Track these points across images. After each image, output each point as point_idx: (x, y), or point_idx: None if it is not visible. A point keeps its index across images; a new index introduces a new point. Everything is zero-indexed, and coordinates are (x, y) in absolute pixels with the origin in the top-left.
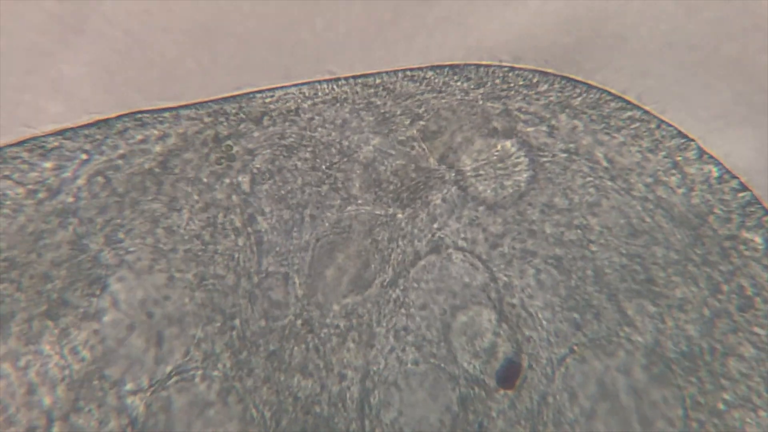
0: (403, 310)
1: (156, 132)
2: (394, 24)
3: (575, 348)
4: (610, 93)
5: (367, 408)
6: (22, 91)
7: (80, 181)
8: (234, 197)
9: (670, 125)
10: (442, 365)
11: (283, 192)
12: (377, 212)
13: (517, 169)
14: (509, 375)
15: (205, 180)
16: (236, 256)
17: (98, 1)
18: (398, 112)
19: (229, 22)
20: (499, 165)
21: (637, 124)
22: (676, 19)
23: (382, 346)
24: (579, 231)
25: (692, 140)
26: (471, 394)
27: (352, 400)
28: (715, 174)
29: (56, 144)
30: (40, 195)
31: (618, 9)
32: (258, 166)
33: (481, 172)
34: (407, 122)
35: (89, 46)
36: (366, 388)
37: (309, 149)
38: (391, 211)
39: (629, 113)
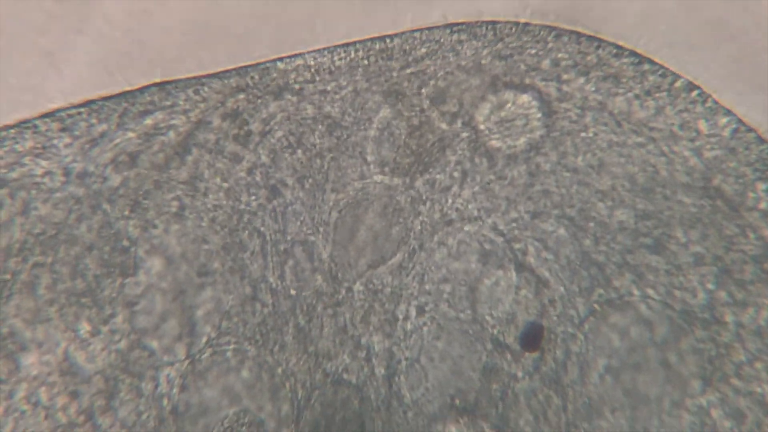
0: (426, 278)
1: (179, 105)
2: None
3: (596, 306)
4: (622, 47)
5: (395, 378)
6: (23, 91)
7: (106, 159)
8: (256, 170)
9: (685, 78)
10: (469, 331)
11: (303, 163)
12: (395, 181)
13: (528, 126)
14: (533, 338)
15: (227, 153)
16: (261, 229)
17: (98, 1)
18: (409, 75)
19: (229, 22)
20: (511, 123)
21: (651, 78)
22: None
23: (405, 316)
24: (592, 188)
25: (708, 94)
26: (496, 359)
27: (380, 372)
28: (732, 126)
29: (77, 120)
30: (61, 177)
31: None
32: (277, 137)
33: (494, 130)
34: (418, 85)
35: (89, 46)
36: (393, 358)
37: (326, 120)
38: (408, 179)
39: (643, 67)
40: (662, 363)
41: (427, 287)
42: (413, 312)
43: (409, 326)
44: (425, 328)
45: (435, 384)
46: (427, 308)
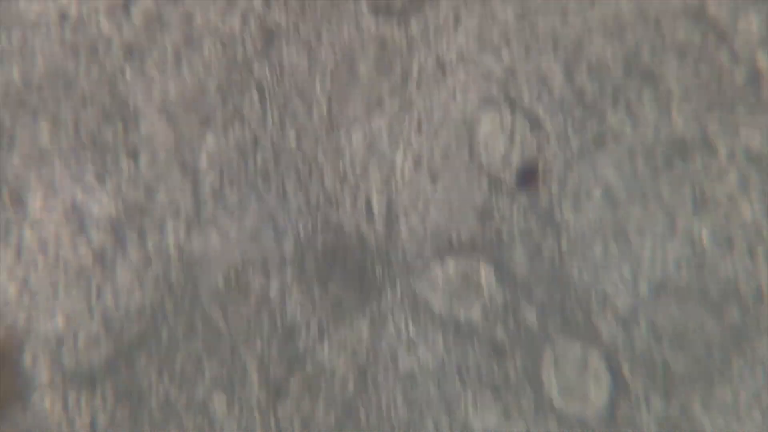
0: (424, 128)
1: None
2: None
3: (590, 141)
4: None
5: (394, 225)
6: None
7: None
8: (250, 18)
9: None
10: (464, 173)
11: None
12: (385, 27)
13: None
14: (528, 176)
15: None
16: (258, 77)
17: None
18: None
19: None
20: None
21: None
22: None
23: (403, 161)
24: (585, 22)
25: None
26: (492, 198)
27: (379, 216)
28: None
29: None
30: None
31: None
32: None
33: None
34: None
35: None
36: (391, 204)
37: None
38: (402, 21)
39: None
40: (655, 193)
41: (423, 129)
42: (410, 158)
43: (406, 171)
44: (422, 173)
45: (432, 227)
46: (423, 153)
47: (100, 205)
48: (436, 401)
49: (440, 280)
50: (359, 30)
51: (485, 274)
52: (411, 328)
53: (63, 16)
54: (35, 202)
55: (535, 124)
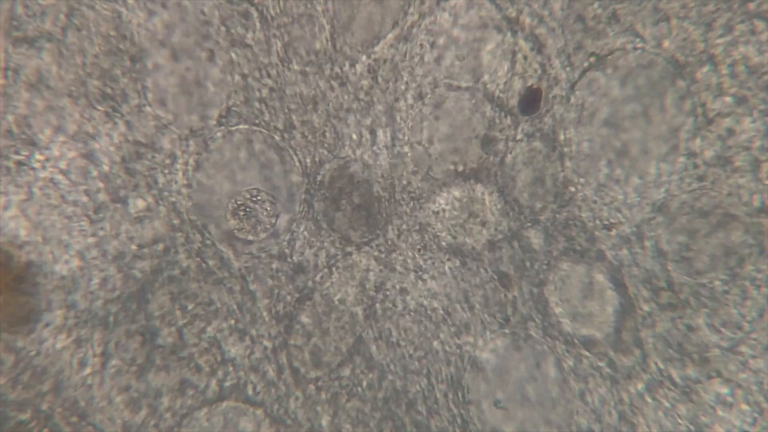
0: (427, 58)
1: None
2: None
3: (590, 62)
4: None
5: (399, 137)
6: None
7: None
8: None
9: None
10: (468, 101)
11: None
12: None
13: None
14: (531, 102)
15: None
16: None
17: None
18: None
19: None
20: None
21: None
22: None
23: (405, 90)
24: None
25: None
26: (496, 123)
27: (384, 145)
28: None
29: None
30: None
31: None
32: None
33: None
34: None
35: None
36: (395, 138)
37: None
38: None
39: None
40: (658, 109)
41: (426, 60)
42: (412, 87)
43: (410, 100)
44: (424, 102)
45: (436, 156)
46: (427, 82)
47: (111, 142)
48: (445, 330)
49: (446, 209)
50: None
51: (489, 200)
52: (418, 258)
53: None
54: (46, 140)
55: (536, 45)
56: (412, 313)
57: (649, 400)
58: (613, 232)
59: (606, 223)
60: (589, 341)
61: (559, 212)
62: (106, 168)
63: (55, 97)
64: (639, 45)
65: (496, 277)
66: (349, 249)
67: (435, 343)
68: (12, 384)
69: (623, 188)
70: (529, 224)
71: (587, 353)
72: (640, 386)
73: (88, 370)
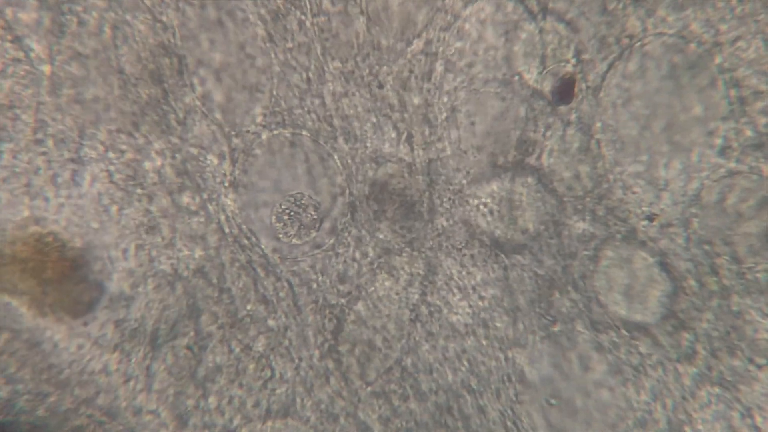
0: (460, 46)
1: None
2: None
3: (622, 47)
4: None
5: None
6: None
7: None
8: None
9: None
10: (504, 93)
11: None
12: None
13: None
14: (565, 91)
15: None
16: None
17: None
18: None
19: None
20: None
21: None
22: None
23: (441, 79)
24: None
25: None
26: (533, 115)
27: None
28: None
29: None
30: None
31: None
32: None
33: None
34: None
35: None
36: (433, 119)
37: None
38: None
39: None
40: (697, 90)
41: (459, 48)
42: (449, 78)
43: (445, 99)
44: (463, 101)
45: (474, 150)
46: (460, 79)
47: (157, 159)
48: (495, 330)
49: (487, 203)
50: None
51: (528, 192)
52: (461, 256)
53: None
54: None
55: (569, 31)
56: (458, 314)
57: (699, 386)
58: (656, 222)
59: (648, 212)
60: (637, 328)
61: (599, 201)
62: (153, 176)
63: (108, 105)
64: (668, 30)
65: (540, 271)
66: (393, 250)
67: (484, 342)
68: (62, 395)
69: (663, 174)
70: (571, 214)
71: (635, 341)
72: (691, 371)
73: (134, 384)
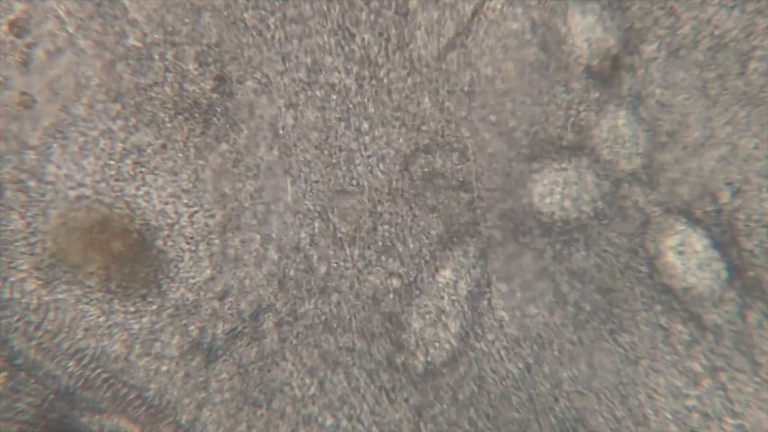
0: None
1: None
2: None
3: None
4: None
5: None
6: None
7: None
8: None
9: None
10: (550, 69)
11: None
12: None
13: None
14: (610, 68)
15: None
16: None
17: None
18: None
19: None
20: None
21: None
22: None
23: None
24: None
25: None
26: (582, 89)
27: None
28: None
29: None
30: None
31: None
32: None
33: None
34: None
35: None
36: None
37: None
38: None
39: None
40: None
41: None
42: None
43: (489, 75)
44: (506, 78)
45: (522, 134)
46: (504, 57)
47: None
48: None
49: (540, 188)
50: None
51: (584, 174)
52: (520, 237)
53: None
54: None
55: (618, 13)
56: (515, 297)
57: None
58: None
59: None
60: (706, 297)
61: (654, 179)
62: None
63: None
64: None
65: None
66: (446, 245)
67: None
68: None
69: (720, 150)
70: (629, 188)
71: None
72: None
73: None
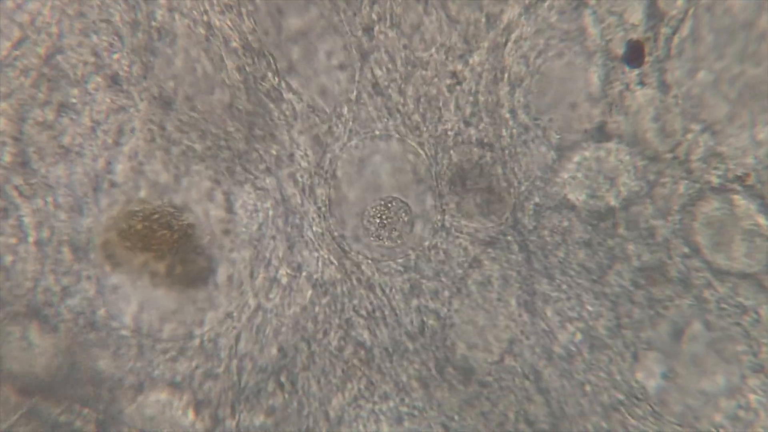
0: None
1: None
2: None
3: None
4: None
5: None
6: None
7: None
8: None
9: None
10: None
11: None
12: None
13: None
14: (635, 54)
15: None
16: None
17: None
18: None
19: None
20: None
21: None
22: None
23: (515, 53)
24: None
25: None
26: (611, 74)
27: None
28: None
29: None
30: None
31: None
32: None
33: None
34: None
35: None
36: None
37: None
38: None
39: None
40: None
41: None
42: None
43: (519, 59)
44: (540, 63)
45: (555, 122)
46: (535, 45)
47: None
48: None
49: (575, 173)
50: None
51: (618, 155)
52: (554, 223)
53: None
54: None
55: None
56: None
57: None
58: (749, 179)
59: (737, 174)
60: (746, 274)
61: (686, 161)
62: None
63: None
64: None
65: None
66: (486, 239)
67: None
68: None
69: (746, 131)
70: (658, 169)
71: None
72: None
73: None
